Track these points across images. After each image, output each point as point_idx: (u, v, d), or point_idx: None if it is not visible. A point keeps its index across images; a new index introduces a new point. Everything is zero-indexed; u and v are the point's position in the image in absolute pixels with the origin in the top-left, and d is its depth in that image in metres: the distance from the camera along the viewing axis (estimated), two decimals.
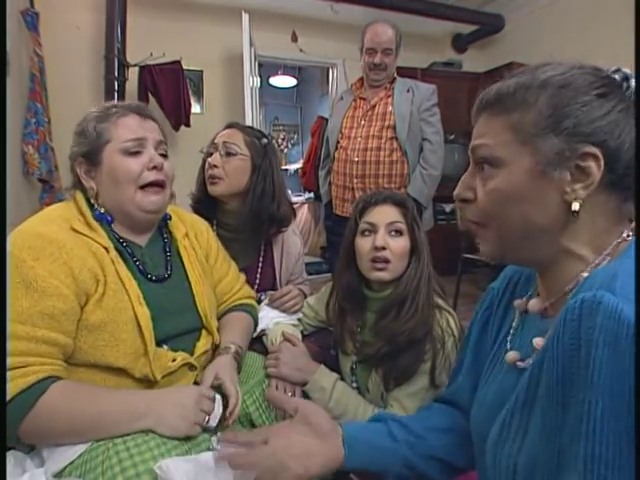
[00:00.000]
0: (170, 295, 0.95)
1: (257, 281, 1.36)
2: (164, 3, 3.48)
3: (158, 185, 0.92)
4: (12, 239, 0.77)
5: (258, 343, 1.17)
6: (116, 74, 3.05)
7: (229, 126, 1.35)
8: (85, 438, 0.75)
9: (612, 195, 0.51)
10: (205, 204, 1.32)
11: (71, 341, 0.78)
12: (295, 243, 1.42)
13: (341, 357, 1.11)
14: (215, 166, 1.26)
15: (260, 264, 1.38)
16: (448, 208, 3.99)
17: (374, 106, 2.08)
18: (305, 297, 1.30)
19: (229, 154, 1.26)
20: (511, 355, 0.61)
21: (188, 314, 0.98)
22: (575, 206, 0.50)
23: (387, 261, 0.96)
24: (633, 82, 0.51)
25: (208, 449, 0.80)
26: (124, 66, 3.10)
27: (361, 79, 2.19)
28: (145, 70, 3.19)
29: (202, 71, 3.66)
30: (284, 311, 1.23)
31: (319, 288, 1.24)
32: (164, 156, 0.95)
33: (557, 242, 0.54)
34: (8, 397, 0.69)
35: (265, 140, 1.32)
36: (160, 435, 0.76)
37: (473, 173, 0.58)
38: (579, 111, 0.49)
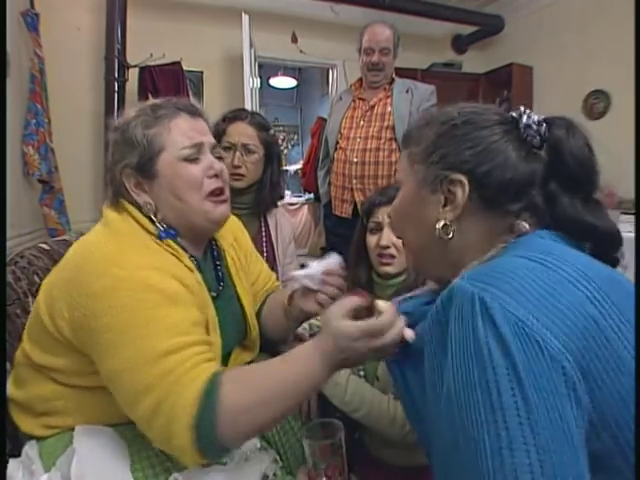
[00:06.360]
0: (223, 310, 0.87)
1: (264, 254, 1.42)
2: (164, 4, 3.48)
3: (221, 193, 0.85)
4: (115, 272, 0.69)
5: None
6: (116, 75, 3.05)
7: (238, 118, 1.43)
8: (275, 408, 0.65)
9: (485, 215, 0.58)
10: None
11: None
12: (287, 223, 1.54)
13: None
14: (238, 166, 1.38)
15: (264, 235, 1.46)
16: None
17: (373, 107, 2.08)
18: None
19: (249, 152, 1.40)
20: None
21: (234, 329, 0.93)
22: (439, 224, 0.58)
23: (393, 257, 1.07)
24: (526, 118, 0.57)
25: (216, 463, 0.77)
26: (124, 67, 3.10)
27: (360, 80, 2.19)
28: (145, 71, 3.19)
29: (202, 72, 3.66)
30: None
31: None
32: (220, 159, 0.87)
33: (448, 259, 0.60)
34: (194, 394, 0.62)
35: (271, 131, 1.48)
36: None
37: None
38: (449, 143, 0.58)
